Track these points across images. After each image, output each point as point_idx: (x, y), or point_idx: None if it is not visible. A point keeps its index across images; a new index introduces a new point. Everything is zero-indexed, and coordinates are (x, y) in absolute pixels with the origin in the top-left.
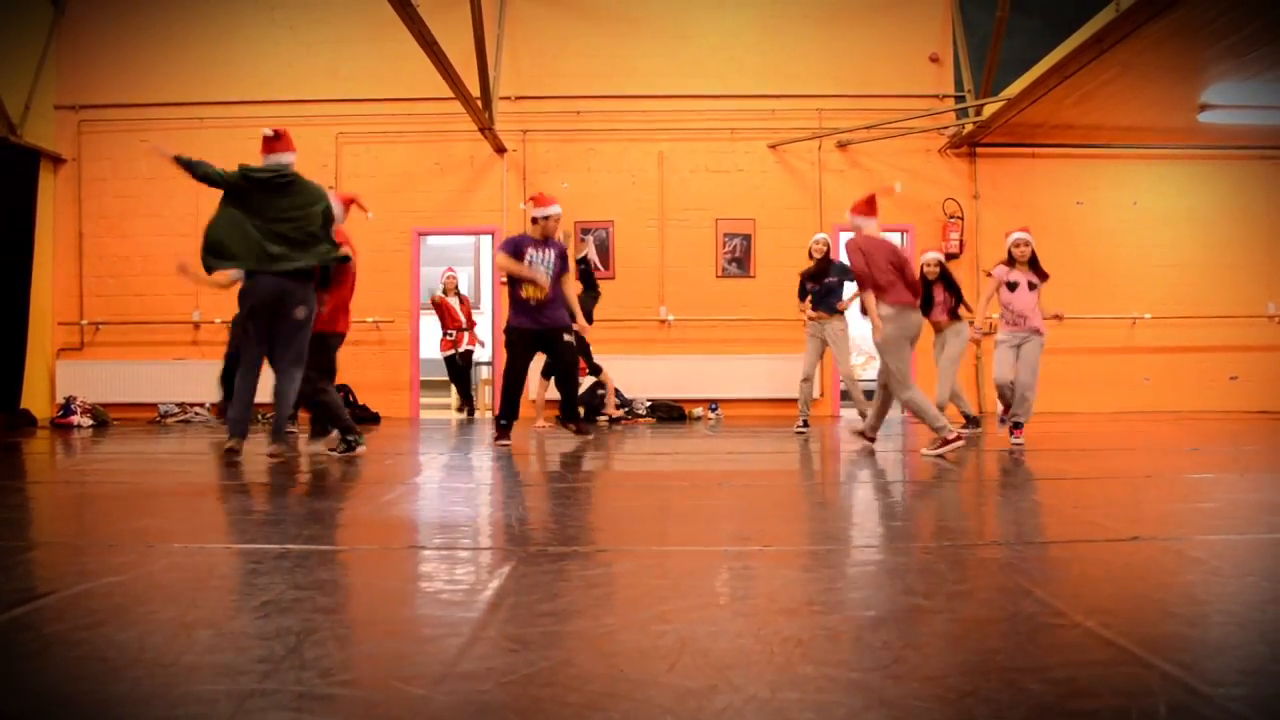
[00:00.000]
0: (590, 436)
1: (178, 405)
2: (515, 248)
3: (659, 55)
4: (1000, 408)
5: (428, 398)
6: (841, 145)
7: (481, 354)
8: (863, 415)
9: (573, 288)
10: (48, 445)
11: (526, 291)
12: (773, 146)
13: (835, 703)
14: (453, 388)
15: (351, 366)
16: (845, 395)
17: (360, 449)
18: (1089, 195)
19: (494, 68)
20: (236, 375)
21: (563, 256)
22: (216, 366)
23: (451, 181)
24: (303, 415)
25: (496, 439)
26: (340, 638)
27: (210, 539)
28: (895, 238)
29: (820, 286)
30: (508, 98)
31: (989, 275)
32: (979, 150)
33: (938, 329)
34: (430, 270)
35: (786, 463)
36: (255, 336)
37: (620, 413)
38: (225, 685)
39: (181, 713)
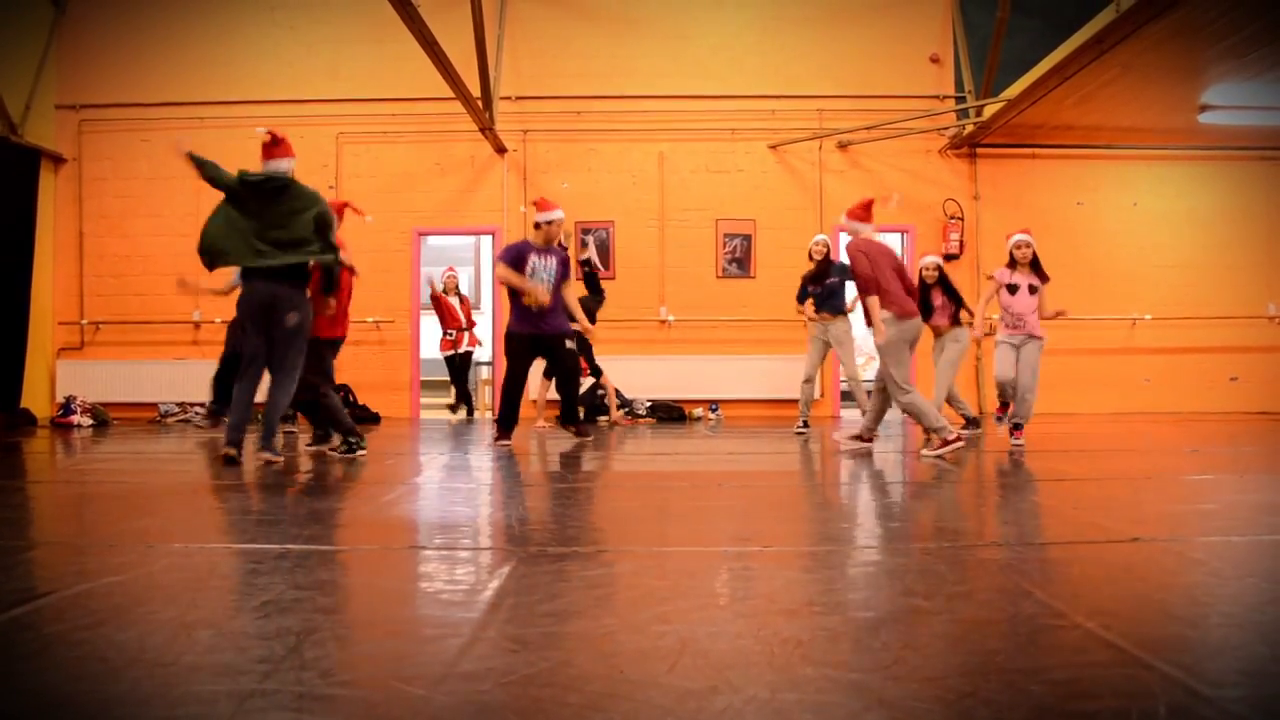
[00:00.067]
0: (590, 438)
1: (178, 405)
2: (517, 255)
3: (659, 56)
4: (999, 406)
5: (428, 398)
6: (842, 146)
7: (482, 354)
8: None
9: (574, 292)
10: (48, 445)
11: (528, 299)
12: (773, 147)
13: (835, 704)
14: (452, 388)
15: (352, 366)
16: (846, 396)
17: (361, 452)
18: (1089, 196)
19: (494, 68)
20: (236, 383)
21: (564, 263)
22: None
23: (452, 182)
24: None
25: (497, 439)
26: (340, 638)
27: (210, 539)
28: (895, 239)
29: (822, 288)
30: (508, 98)
31: (990, 278)
32: (979, 151)
33: (937, 334)
34: (431, 271)
35: (786, 463)
36: (253, 343)
37: (620, 414)
38: (225, 685)
39: (182, 713)
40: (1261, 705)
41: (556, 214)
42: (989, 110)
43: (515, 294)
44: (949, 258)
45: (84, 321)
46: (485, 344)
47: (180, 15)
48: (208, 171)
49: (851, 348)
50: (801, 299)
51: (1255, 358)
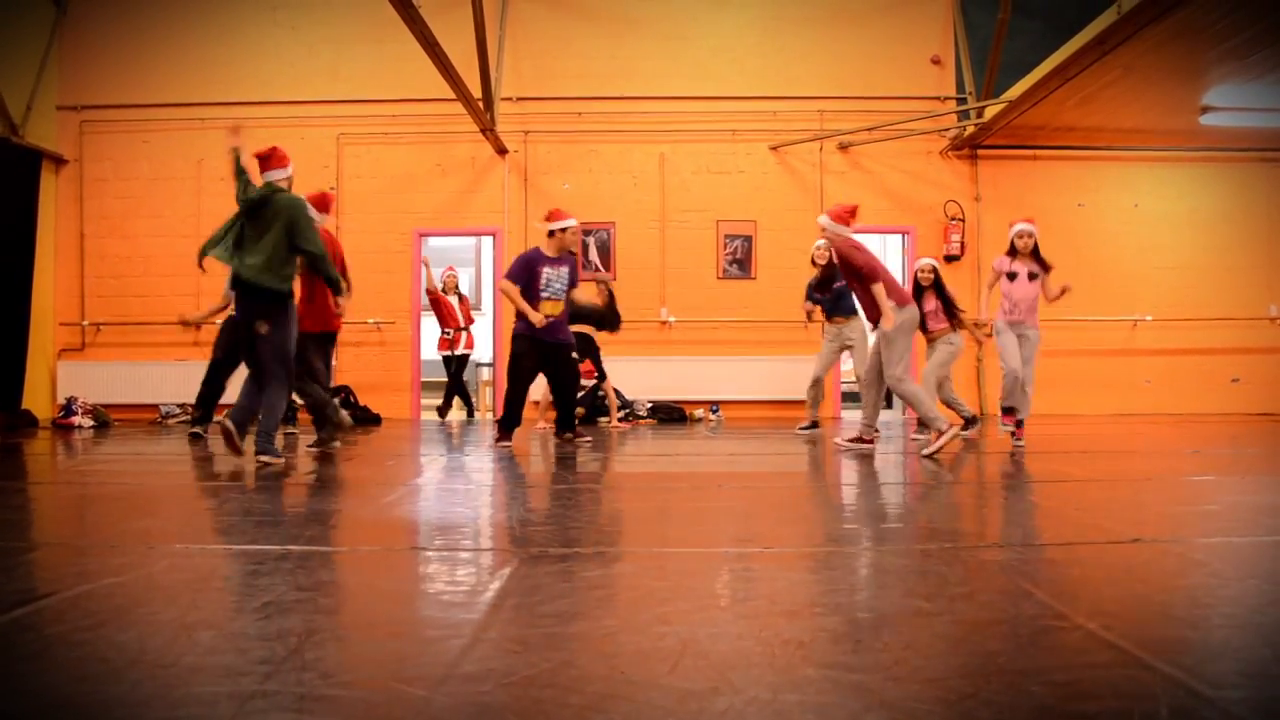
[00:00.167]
0: (589, 440)
1: (179, 406)
2: (528, 269)
3: (660, 57)
4: (1004, 412)
5: (428, 398)
6: (843, 147)
7: (483, 355)
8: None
9: (581, 293)
10: (49, 446)
11: (544, 309)
12: (774, 148)
13: (836, 705)
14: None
15: (352, 367)
16: (847, 397)
17: (335, 445)
18: (1090, 197)
19: (495, 69)
20: (243, 383)
21: (574, 270)
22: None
23: (453, 182)
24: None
25: (498, 440)
26: (341, 639)
27: (211, 540)
28: (896, 240)
29: (831, 294)
30: (509, 99)
31: (992, 269)
32: (980, 152)
33: (930, 338)
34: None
35: (787, 465)
36: (245, 351)
37: (620, 417)
38: (226, 686)
39: (182, 714)
40: (1262, 707)
41: (570, 222)
42: (990, 111)
43: (527, 297)
44: (950, 259)
45: (85, 322)
46: (483, 347)
47: (181, 16)
48: (238, 179)
49: (866, 348)
50: (813, 304)
51: (1256, 359)
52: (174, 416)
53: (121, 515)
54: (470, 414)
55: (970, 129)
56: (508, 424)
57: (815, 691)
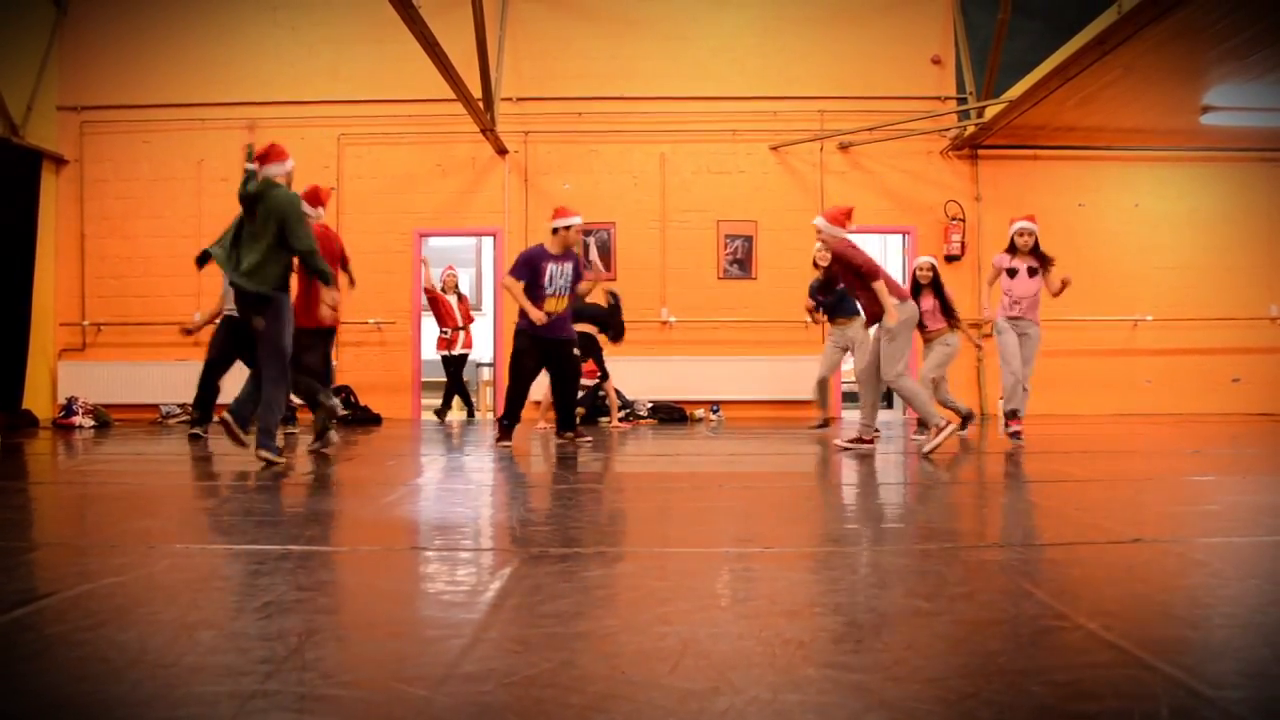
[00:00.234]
0: (588, 439)
1: (179, 406)
2: (532, 266)
3: (660, 57)
4: (1005, 413)
5: (429, 399)
6: (843, 147)
7: (483, 355)
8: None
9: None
10: (49, 446)
11: (547, 306)
12: (774, 148)
13: (837, 704)
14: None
15: (353, 367)
16: (847, 397)
17: (332, 436)
18: (1091, 197)
19: (495, 69)
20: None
21: (578, 267)
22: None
23: (453, 183)
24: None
25: (498, 439)
26: (342, 639)
27: (212, 540)
28: (896, 240)
29: (833, 296)
30: (509, 99)
31: (992, 266)
32: (981, 152)
33: (927, 338)
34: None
35: (788, 465)
36: (245, 348)
37: (621, 415)
38: (227, 686)
39: (183, 713)
40: (1263, 707)
41: (574, 219)
42: (990, 111)
43: (531, 295)
44: (950, 259)
45: (85, 323)
46: (484, 347)
47: (181, 16)
48: (247, 176)
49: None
50: (816, 308)
51: (1257, 359)
52: (174, 416)
53: (122, 515)
54: (470, 414)
55: (970, 129)
56: (508, 421)
57: (816, 691)
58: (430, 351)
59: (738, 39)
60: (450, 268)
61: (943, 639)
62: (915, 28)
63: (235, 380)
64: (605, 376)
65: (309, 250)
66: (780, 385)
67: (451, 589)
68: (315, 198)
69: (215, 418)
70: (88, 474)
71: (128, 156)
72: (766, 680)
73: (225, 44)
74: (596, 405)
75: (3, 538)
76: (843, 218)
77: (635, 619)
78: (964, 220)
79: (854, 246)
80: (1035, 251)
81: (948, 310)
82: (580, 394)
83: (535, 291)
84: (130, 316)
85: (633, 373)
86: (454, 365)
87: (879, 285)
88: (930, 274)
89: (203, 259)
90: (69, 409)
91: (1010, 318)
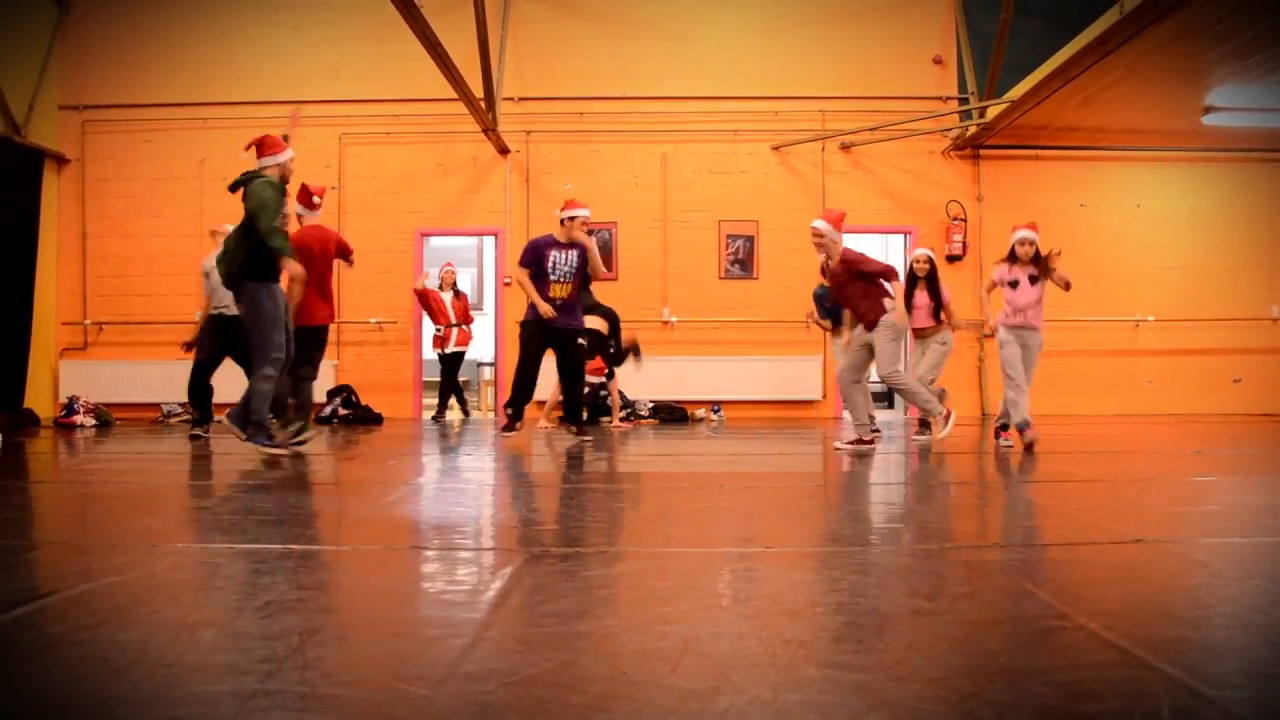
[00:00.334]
0: (590, 439)
1: (180, 405)
2: (538, 250)
3: (662, 57)
4: (999, 425)
5: (430, 398)
6: (845, 147)
7: (484, 354)
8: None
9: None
10: (50, 445)
11: (552, 291)
12: (776, 148)
13: (838, 704)
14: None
15: (354, 367)
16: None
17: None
18: (1092, 197)
19: (497, 69)
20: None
21: (584, 255)
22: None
23: (454, 182)
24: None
25: (503, 428)
26: (343, 638)
27: (213, 539)
28: (898, 240)
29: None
30: (511, 99)
31: (992, 281)
32: (982, 152)
33: (920, 335)
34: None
35: (789, 465)
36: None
37: (622, 415)
38: (228, 685)
39: (184, 713)
40: (1264, 707)
41: (581, 211)
42: (992, 112)
43: (539, 283)
44: (952, 259)
45: (87, 322)
46: (485, 346)
47: (183, 16)
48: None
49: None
50: (823, 315)
51: (1258, 359)
52: (176, 416)
53: (123, 514)
54: (465, 413)
55: (972, 129)
56: (514, 410)
57: (817, 691)
58: (431, 351)
59: (739, 39)
60: (449, 264)
61: (944, 639)
62: (917, 28)
63: (230, 379)
64: (611, 375)
65: (267, 229)
66: (781, 385)
67: (452, 588)
68: (304, 197)
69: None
70: (89, 473)
71: (129, 156)
72: (768, 680)
73: (227, 43)
74: (598, 404)
75: (4, 536)
76: (838, 221)
77: (636, 619)
78: (965, 220)
79: (856, 252)
80: (1035, 260)
81: (939, 308)
82: (584, 390)
83: (540, 279)
84: (132, 316)
85: (634, 372)
86: (448, 364)
87: (897, 285)
88: (927, 266)
89: None
90: (70, 408)
91: (1012, 327)
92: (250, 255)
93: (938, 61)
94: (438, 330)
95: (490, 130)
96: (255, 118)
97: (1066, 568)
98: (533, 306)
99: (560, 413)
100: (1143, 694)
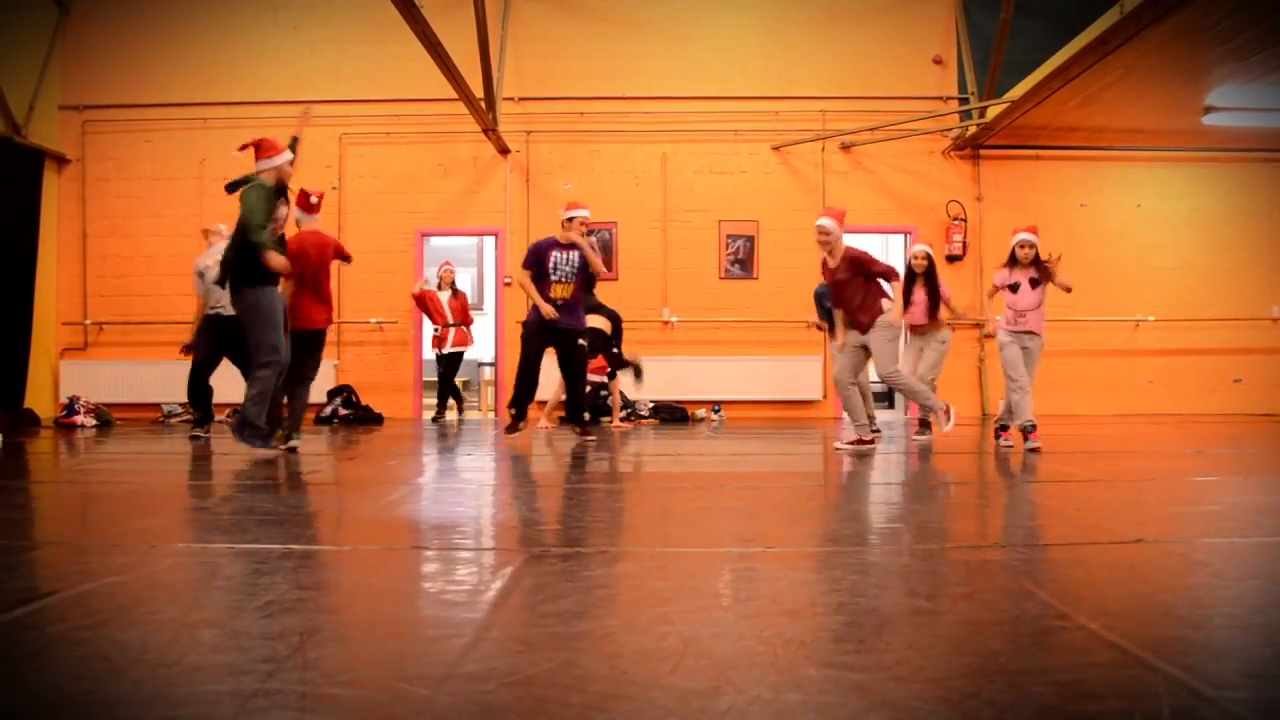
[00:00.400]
0: (593, 439)
1: (181, 405)
2: (540, 253)
3: (662, 57)
4: (1013, 417)
5: (431, 398)
6: (845, 147)
7: (484, 354)
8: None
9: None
10: (51, 445)
11: (554, 291)
12: (776, 148)
13: (838, 704)
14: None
15: (354, 367)
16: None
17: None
18: (1093, 197)
19: (497, 69)
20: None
21: (584, 256)
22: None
23: (455, 182)
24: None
25: (507, 429)
26: (343, 638)
27: (213, 539)
28: (898, 240)
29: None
30: (511, 99)
31: (993, 285)
32: (982, 152)
33: (917, 332)
34: (432, 272)
35: (789, 465)
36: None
37: (623, 415)
38: (229, 685)
39: (184, 713)
40: (1264, 707)
41: (582, 212)
42: (992, 112)
43: (540, 285)
44: (952, 259)
45: (87, 322)
46: (485, 346)
47: (183, 16)
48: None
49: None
50: (824, 315)
51: (1259, 359)
52: (176, 416)
53: (123, 514)
54: (459, 412)
55: (972, 129)
56: (517, 409)
57: (817, 691)
58: (431, 351)
59: (739, 39)
60: (447, 263)
61: (944, 639)
62: (917, 28)
63: (230, 380)
64: (613, 375)
65: (249, 227)
66: (782, 385)
67: (453, 588)
68: (302, 202)
69: (217, 417)
70: (89, 473)
71: (129, 156)
72: (768, 680)
73: (227, 43)
74: (598, 404)
75: (4, 536)
76: (840, 220)
77: (637, 618)
78: (965, 220)
79: (865, 252)
80: (1036, 262)
81: (935, 306)
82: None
83: (542, 279)
84: (132, 316)
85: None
86: (445, 364)
87: (897, 286)
88: (925, 262)
89: None
90: (71, 408)
91: (1014, 330)
92: (246, 258)
93: (938, 61)
94: (436, 330)
95: (490, 130)
96: (256, 118)
97: (1067, 568)
98: (535, 307)
99: (561, 413)
100: (1143, 694)
